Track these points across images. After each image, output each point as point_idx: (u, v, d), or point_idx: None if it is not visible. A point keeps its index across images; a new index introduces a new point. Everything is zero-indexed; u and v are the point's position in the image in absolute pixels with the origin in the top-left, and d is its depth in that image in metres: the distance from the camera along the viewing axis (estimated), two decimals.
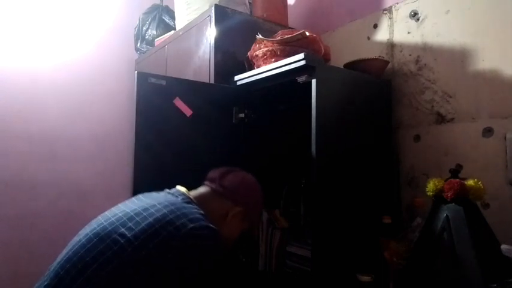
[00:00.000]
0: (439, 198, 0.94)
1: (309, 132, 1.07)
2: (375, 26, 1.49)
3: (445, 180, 0.94)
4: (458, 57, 1.21)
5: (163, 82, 1.20)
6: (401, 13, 1.40)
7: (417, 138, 1.31)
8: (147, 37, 2.16)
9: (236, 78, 1.38)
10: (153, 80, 1.19)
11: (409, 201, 1.29)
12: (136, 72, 1.20)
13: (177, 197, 0.86)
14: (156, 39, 2.05)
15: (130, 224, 0.74)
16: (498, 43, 1.12)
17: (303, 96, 1.11)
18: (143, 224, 0.73)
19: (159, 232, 0.71)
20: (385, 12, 1.46)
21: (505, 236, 0.94)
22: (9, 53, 1.98)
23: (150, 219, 0.74)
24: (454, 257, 0.87)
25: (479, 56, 1.16)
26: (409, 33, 1.37)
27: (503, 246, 0.82)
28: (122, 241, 0.71)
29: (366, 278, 1.04)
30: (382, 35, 1.46)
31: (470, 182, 0.91)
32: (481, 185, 0.90)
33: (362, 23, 1.54)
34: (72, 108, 2.13)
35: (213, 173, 0.99)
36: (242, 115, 1.40)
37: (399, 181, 1.35)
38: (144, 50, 2.17)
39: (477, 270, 0.82)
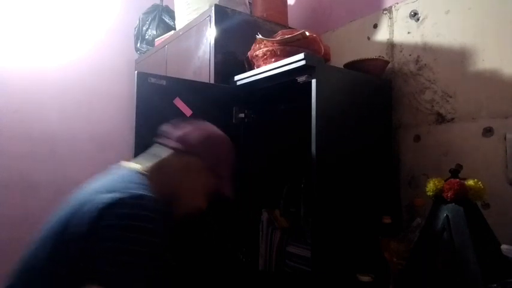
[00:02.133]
0: (439, 198, 0.94)
1: (309, 132, 1.07)
2: (375, 26, 1.49)
3: (445, 180, 0.94)
4: (458, 57, 1.21)
5: (163, 82, 1.20)
6: (401, 13, 1.40)
7: (417, 138, 1.31)
8: (147, 37, 2.16)
9: (236, 78, 1.38)
10: (153, 80, 1.19)
11: (409, 201, 1.29)
12: (136, 72, 1.20)
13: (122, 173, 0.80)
14: (156, 39, 2.05)
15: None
16: (498, 43, 1.12)
17: (303, 96, 1.11)
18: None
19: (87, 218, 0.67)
20: (385, 12, 1.46)
21: (505, 236, 0.94)
22: (9, 53, 1.98)
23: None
24: (454, 257, 0.87)
25: (479, 56, 1.16)
26: (409, 33, 1.37)
27: (503, 246, 0.82)
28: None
29: (366, 278, 1.04)
30: (382, 35, 1.46)
31: (470, 182, 0.91)
32: (481, 185, 0.90)
33: (362, 23, 1.54)
34: (72, 108, 2.14)
35: (169, 128, 0.90)
36: (242, 115, 1.40)
37: (399, 181, 1.35)
38: (144, 50, 2.17)
39: (477, 270, 0.82)
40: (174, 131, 0.89)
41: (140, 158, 0.89)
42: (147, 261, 0.65)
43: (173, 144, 0.86)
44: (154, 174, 0.82)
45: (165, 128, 0.90)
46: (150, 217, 0.67)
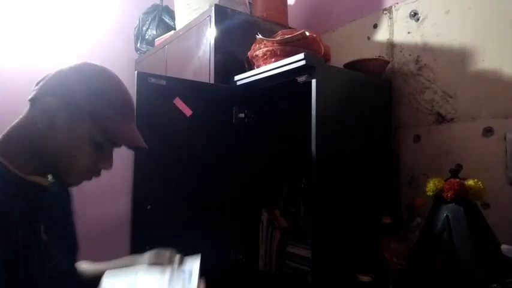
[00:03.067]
0: (439, 198, 0.94)
1: (309, 132, 1.07)
2: (375, 26, 1.49)
3: (445, 180, 0.94)
4: (458, 57, 1.21)
5: (163, 82, 1.20)
6: (401, 13, 1.40)
7: (417, 138, 1.31)
8: (147, 37, 2.16)
9: (236, 78, 1.38)
10: (153, 80, 1.19)
11: (409, 201, 1.29)
12: (136, 72, 1.20)
13: None
14: (156, 39, 2.05)
15: None
16: (498, 43, 1.12)
17: (303, 96, 1.11)
18: None
19: None
20: (385, 12, 1.46)
21: (505, 236, 0.94)
22: (9, 54, 1.98)
23: None
24: (454, 257, 0.87)
25: (479, 56, 1.16)
26: (409, 33, 1.37)
27: (503, 246, 0.82)
28: None
29: (366, 278, 1.04)
30: (382, 35, 1.46)
31: (470, 182, 0.91)
32: (481, 185, 0.90)
33: (362, 23, 1.54)
34: None
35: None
36: (242, 115, 1.40)
37: (399, 181, 1.35)
38: (144, 50, 2.17)
39: (477, 270, 0.82)
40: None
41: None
42: None
43: (29, 96, 0.67)
44: (6, 143, 0.66)
45: None
46: None
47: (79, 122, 0.66)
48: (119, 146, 0.73)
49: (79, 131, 0.66)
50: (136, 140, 0.72)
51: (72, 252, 0.78)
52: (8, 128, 0.68)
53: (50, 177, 0.72)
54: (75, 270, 0.77)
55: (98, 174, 0.72)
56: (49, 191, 0.71)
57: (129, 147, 0.74)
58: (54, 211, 0.72)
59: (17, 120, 0.68)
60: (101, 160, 0.70)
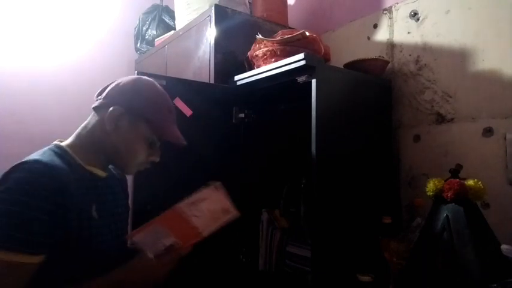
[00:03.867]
0: (439, 198, 0.94)
1: (309, 132, 1.07)
2: (375, 26, 1.49)
3: (445, 180, 0.94)
4: (458, 57, 1.21)
5: (163, 82, 1.19)
6: (401, 13, 1.40)
7: (417, 138, 1.31)
8: (147, 37, 2.16)
9: (236, 78, 1.38)
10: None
11: (409, 201, 1.29)
12: (136, 72, 1.20)
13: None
14: (156, 39, 2.05)
15: None
16: (498, 43, 1.12)
17: (303, 96, 1.11)
18: None
19: None
20: (385, 12, 1.46)
21: (505, 236, 0.94)
22: (9, 55, 1.98)
23: None
24: (454, 257, 0.87)
25: (479, 56, 1.16)
26: (409, 33, 1.37)
27: (503, 246, 0.82)
28: None
29: (366, 278, 1.04)
30: (382, 35, 1.46)
31: (470, 182, 0.91)
32: (481, 185, 0.90)
33: (362, 23, 1.54)
34: (72, 109, 2.13)
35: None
36: (242, 115, 1.40)
37: (399, 181, 1.35)
38: (144, 50, 2.17)
39: (477, 270, 0.82)
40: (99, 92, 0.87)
41: None
42: (5, 219, 0.64)
43: (93, 104, 0.85)
44: (77, 141, 0.83)
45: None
46: (28, 180, 0.66)
47: (138, 125, 0.83)
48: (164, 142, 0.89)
49: (138, 132, 0.83)
50: (181, 139, 0.90)
51: (120, 235, 0.88)
52: (77, 130, 0.86)
53: (109, 169, 0.91)
54: (121, 251, 0.83)
55: (149, 165, 0.90)
56: (104, 180, 0.86)
57: (174, 144, 0.89)
58: (106, 197, 0.86)
59: (83, 124, 0.86)
60: (151, 154, 0.88)
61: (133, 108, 0.82)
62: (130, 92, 0.83)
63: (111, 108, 0.80)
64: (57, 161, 0.74)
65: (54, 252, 0.69)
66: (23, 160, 0.71)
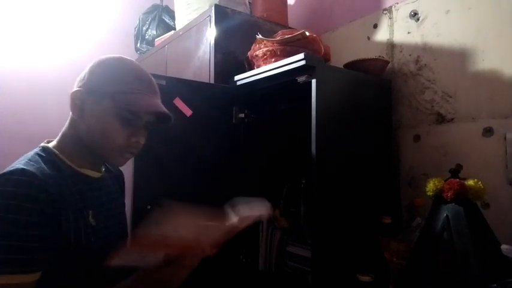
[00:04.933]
0: (439, 198, 0.94)
1: (309, 132, 1.07)
2: (375, 26, 1.49)
3: (445, 180, 0.94)
4: (458, 57, 1.21)
5: (163, 82, 1.19)
6: (401, 13, 1.40)
7: (417, 138, 1.31)
8: (147, 37, 2.16)
9: (236, 78, 1.38)
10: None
11: (409, 201, 1.29)
12: None
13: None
14: (156, 39, 2.05)
15: None
16: (498, 43, 1.12)
17: (303, 96, 1.11)
18: None
19: None
20: (385, 12, 1.46)
21: (505, 236, 0.94)
22: (9, 54, 1.98)
23: None
24: (454, 257, 0.87)
25: (479, 56, 1.16)
26: (409, 33, 1.37)
27: (503, 246, 0.82)
28: None
29: (366, 278, 1.04)
30: (382, 35, 1.46)
31: (470, 182, 0.91)
32: (481, 185, 0.90)
33: (362, 23, 1.54)
34: None
35: None
36: (242, 115, 1.40)
37: (399, 181, 1.35)
38: (144, 50, 2.17)
39: (477, 270, 0.82)
40: None
41: None
42: None
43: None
44: (63, 139, 0.78)
45: None
46: (15, 194, 0.61)
47: (103, 103, 0.74)
48: (151, 122, 0.80)
49: (105, 111, 0.74)
50: (156, 107, 0.78)
51: (119, 238, 0.83)
52: (62, 129, 0.79)
53: (105, 166, 0.85)
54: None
55: (134, 149, 0.80)
56: (99, 182, 0.81)
57: (158, 121, 0.81)
58: (103, 200, 0.81)
59: (66, 122, 0.79)
60: (132, 135, 0.77)
61: (93, 86, 0.75)
62: (94, 71, 0.77)
63: (73, 92, 0.75)
64: (44, 168, 0.69)
65: (53, 264, 0.66)
66: (6, 171, 0.65)
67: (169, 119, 0.82)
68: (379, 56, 1.43)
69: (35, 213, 0.62)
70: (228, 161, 1.36)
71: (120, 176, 0.98)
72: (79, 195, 0.73)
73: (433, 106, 1.27)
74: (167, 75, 1.58)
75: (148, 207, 1.15)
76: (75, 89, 0.76)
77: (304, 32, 1.20)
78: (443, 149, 1.24)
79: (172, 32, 1.91)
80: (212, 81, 1.42)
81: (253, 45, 1.34)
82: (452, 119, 1.22)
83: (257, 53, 1.30)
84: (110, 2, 2.34)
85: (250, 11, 1.69)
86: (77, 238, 0.69)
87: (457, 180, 0.92)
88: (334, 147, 1.12)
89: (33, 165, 0.68)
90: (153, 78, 0.83)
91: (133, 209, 1.14)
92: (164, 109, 0.80)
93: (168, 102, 1.21)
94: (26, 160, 0.70)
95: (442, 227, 0.91)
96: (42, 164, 0.70)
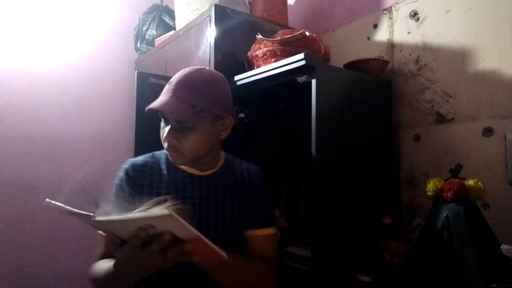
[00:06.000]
0: (439, 198, 0.94)
1: (309, 132, 1.07)
2: (375, 26, 1.49)
3: (445, 180, 0.94)
4: (458, 57, 1.21)
5: (163, 82, 1.19)
6: (401, 13, 1.40)
7: (417, 138, 1.31)
8: (147, 37, 2.16)
9: (236, 78, 1.37)
10: (153, 80, 1.19)
11: (409, 201, 1.29)
12: (136, 72, 1.20)
13: None
14: (156, 39, 2.05)
15: None
16: (498, 43, 1.12)
17: (303, 96, 1.11)
18: None
19: None
20: (385, 12, 1.46)
21: (505, 236, 0.94)
22: (8, 54, 1.97)
23: None
24: (454, 257, 0.87)
25: (479, 56, 1.16)
26: (409, 33, 1.37)
27: (503, 246, 0.82)
28: None
29: (366, 278, 1.04)
30: (382, 35, 1.46)
31: (470, 182, 0.91)
32: (481, 185, 0.90)
33: (362, 23, 1.54)
34: (72, 109, 2.13)
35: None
36: (242, 115, 1.40)
37: (399, 181, 1.35)
38: (144, 50, 2.17)
39: (477, 270, 0.82)
40: None
41: None
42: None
43: None
44: None
45: None
46: (124, 168, 0.94)
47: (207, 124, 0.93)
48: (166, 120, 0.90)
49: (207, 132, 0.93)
50: (152, 105, 0.86)
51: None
52: None
53: (210, 170, 0.99)
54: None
55: (170, 147, 0.89)
56: (201, 178, 0.96)
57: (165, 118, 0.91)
58: (195, 194, 0.93)
59: None
60: (163, 134, 0.90)
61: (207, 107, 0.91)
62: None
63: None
64: (147, 160, 0.98)
65: None
66: None
67: (163, 115, 0.90)
68: (379, 56, 1.43)
69: (117, 187, 0.92)
70: None
71: (247, 179, 1.04)
72: (167, 183, 0.91)
73: (433, 106, 1.27)
74: (167, 75, 1.58)
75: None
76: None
77: (304, 32, 1.20)
78: (443, 149, 1.24)
79: (172, 32, 1.90)
80: None
81: (253, 45, 1.34)
82: (452, 119, 1.22)
83: (257, 53, 1.30)
84: (109, 2, 2.34)
85: (250, 11, 1.69)
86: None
87: (457, 180, 0.92)
88: (334, 147, 1.12)
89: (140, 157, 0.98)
90: (181, 77, 0.90)
91: None
92: (154, 105, 0.86)
93: None
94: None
95: (442, 227, 0.91)
96: (151, 158, 0.97)
